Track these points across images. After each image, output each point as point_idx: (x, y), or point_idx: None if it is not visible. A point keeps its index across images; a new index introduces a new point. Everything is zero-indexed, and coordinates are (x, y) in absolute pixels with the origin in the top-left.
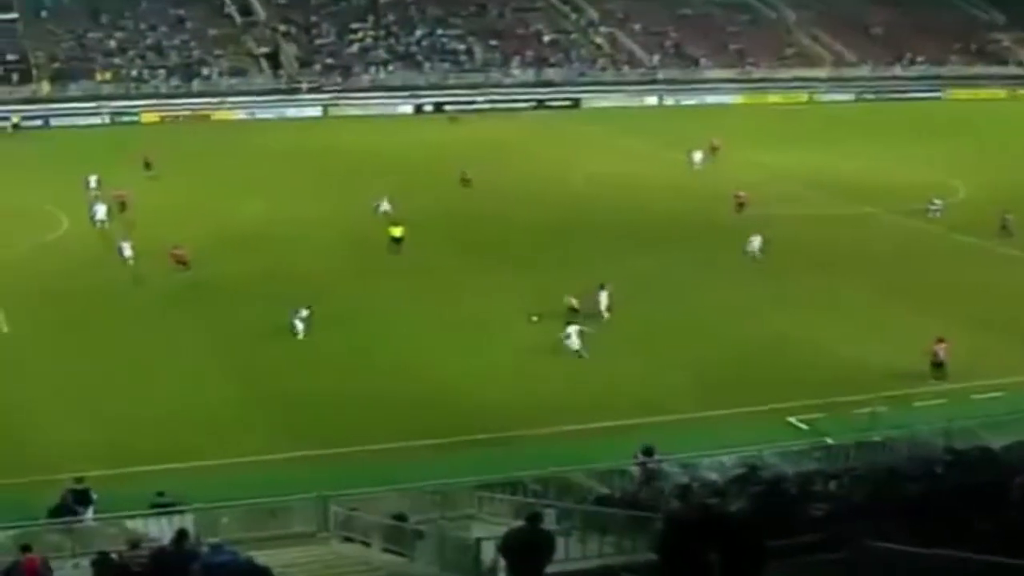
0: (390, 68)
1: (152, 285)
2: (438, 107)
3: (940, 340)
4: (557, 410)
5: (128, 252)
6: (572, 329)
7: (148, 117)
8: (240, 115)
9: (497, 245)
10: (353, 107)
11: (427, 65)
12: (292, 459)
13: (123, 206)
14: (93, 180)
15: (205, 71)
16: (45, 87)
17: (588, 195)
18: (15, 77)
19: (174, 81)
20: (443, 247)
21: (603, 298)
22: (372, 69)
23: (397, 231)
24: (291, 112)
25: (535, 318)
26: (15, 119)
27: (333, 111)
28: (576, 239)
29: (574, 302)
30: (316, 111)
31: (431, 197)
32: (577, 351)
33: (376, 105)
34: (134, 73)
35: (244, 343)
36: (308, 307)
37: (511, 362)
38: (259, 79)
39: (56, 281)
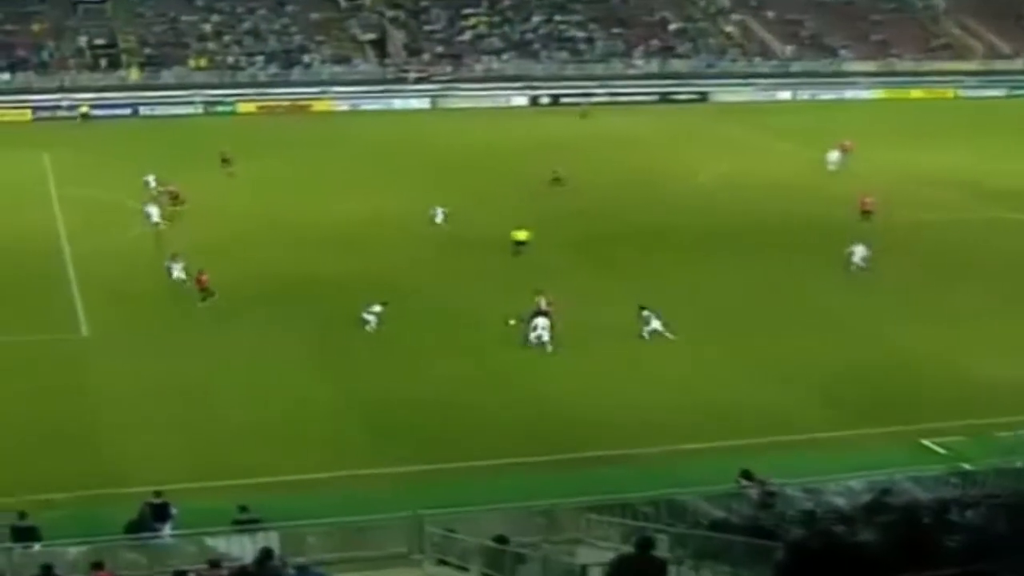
0: (504, 57)
1: (233, 290)
2: (555, 100)
3: None
4: (670, 426)
5: (177, 273)
6: (540, 322)
7: (244, 107)
8: (342, 106)
9: (609, 249)
10: (464, 99)
11: (544, 54)
12: (385, 475)
13: (175, 200)
14: (152, 180)
15: (306, 58)
16: (135, 74)
17: (712, 197)
18: (103, 63)
19: (273, 69)
20: (557, 252)
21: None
22: (485, 58)
23: (521, 235)
24: (397, 103)
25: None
26: (84, 108)
27: (442, 103)
28: (694, 243)
29: (543, 302)
30: (424, 103)
31: (546, 197)
32: (543, 343)
33: (488, 97)
34: (230, 60)
35: (336, 350)
36: (383, 303)
37: (622, 374)
38: (363, 67)
39: (135, 282)
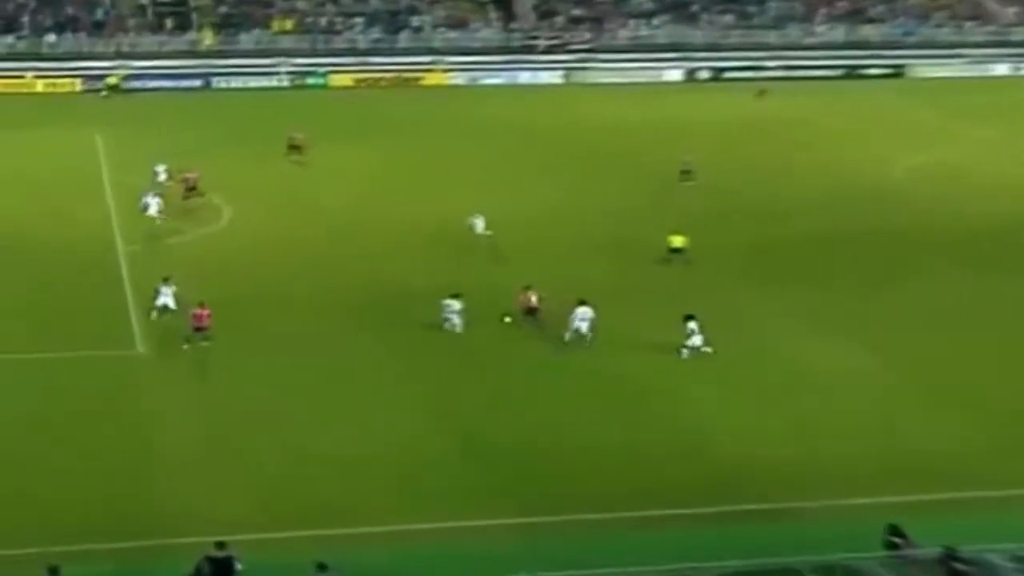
0: (655, 22)
1: (324, 297)
2: (716, 74)
3: None
4: (845, 476)
5: (165, 299)
6: (580, 312)
7: (338, 80)
8: (458, 79)
9: (778, 259)
10: (604, 72)
11: (704, 18)
12: (498, 527)
13: (190, 191)
14: (162, 170)
15: (415, 21)
16: (207, 37)
17: (907, 195)
18: (169, 23)
19: (374, 34)
20: (714, 260)
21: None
22: (631, 23)
23: (678, 240)
24: (524, 77)
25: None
26: (113, 79)
27: (578, 76)
28: (884, 252)
29: (534, 299)
30: (556, 76)
31: (697, 195)
32: (581, 335)
33: (635, 70)
34: (323, 22)
35: (435, 375)
36: (454, 295)
37: (790, 408)
38: (484, 34)
39: (210, 287)
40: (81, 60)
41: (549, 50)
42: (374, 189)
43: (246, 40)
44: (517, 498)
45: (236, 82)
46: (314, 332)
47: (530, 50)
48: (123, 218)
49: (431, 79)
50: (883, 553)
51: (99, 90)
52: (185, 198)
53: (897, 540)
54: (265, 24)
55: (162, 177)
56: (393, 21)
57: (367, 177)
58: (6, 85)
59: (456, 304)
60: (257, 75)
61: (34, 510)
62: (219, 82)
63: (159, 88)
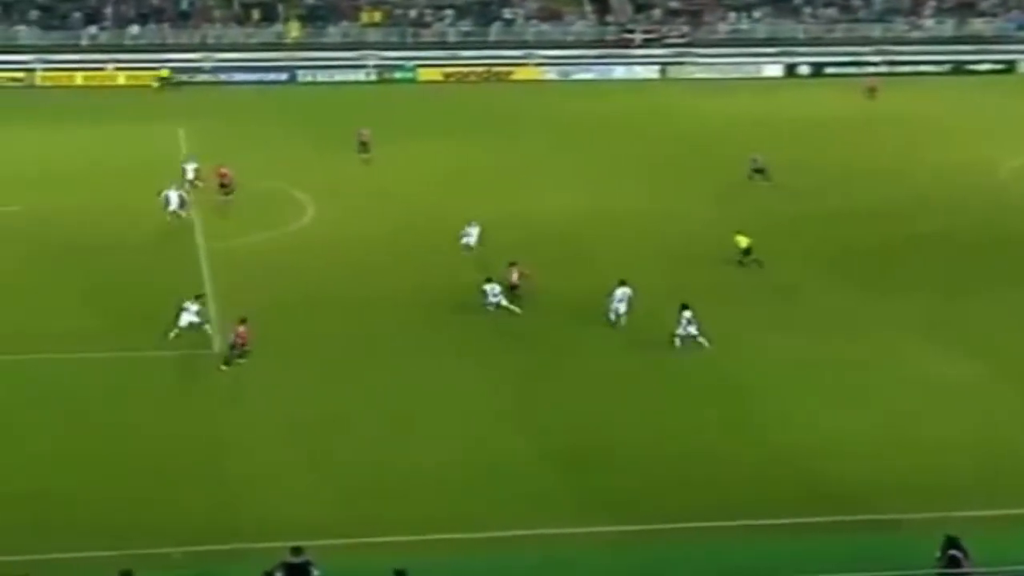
0: (755, 15)
1: (406, 296)
2: (817, 69)
3: None
4: (962, 488)
5: (190, 317)
6: (619, 292)
7: (427, 74)
8: (550, 74)
9: (876, 263)
10: (702, 67)
11: (806, 11)
12: (590, 535)
13: (223, 188)
14: (191, 169)
15: (507, 14)
16: (293, 29)
17: (1010, 194)
18: (255, 15)
19: (464, 26)
20: (802, 264)
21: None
22: (731, 16)
23: (744, 241)
24: (618, 72)
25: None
26: (165, 71)
27: (674, 72)
28: (991, 258)
29: (515, 276)
30: (652, 71)
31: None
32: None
33: (733, 65)
34: (412, 14)
35: (522, 379)
36: (488, 279)
37: (903, 418)
38: (578, 27)
39: (291, 287)
40: (164, 52)
41: (645, 44)
42: (460, 185)
43: (333, 33)
44: (604, 506)
45: (322, 76)
46: (394, 332)
47: (625, 44)
48: (204, 214)
49: (522, 74)
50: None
51: (163, 82)
52: (222, 194)
53: (956, 554)
54: (353, 16)
55: (191, 175)
56: (484, 13)
57: (454, 173)
58: (88, 78)
59: (496, 287)
60: (344, 68)
61: (108, 512)
62: (305, 75)
63: (243, 81)
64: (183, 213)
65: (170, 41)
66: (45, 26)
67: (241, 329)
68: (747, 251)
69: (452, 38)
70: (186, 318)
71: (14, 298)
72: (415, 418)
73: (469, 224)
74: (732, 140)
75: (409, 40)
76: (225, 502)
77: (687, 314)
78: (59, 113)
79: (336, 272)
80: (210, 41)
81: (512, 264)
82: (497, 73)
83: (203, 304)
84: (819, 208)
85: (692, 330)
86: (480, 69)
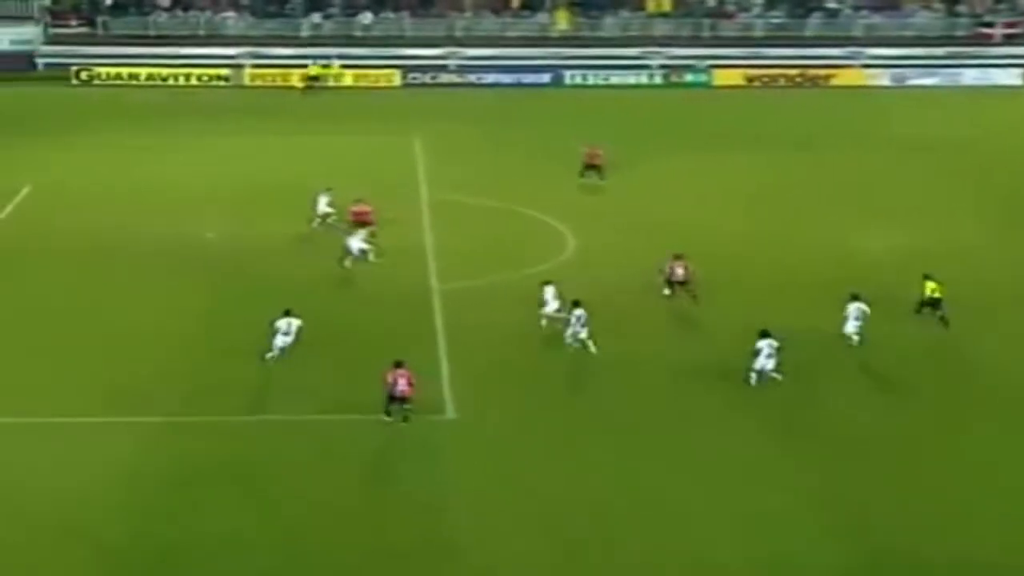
0: None
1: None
2: None
3: None
4: None
5: (282, 340)
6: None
7: (724, 76)
8: (881, 79)
9: None
10: None
11: None
12: None
13: (363, 226)
14: (324, 200)
15: (830, 2)
16: (562, 20)
17: None
18: (514, 2)
19: (775, 18)
20: None
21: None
22: None
23: (932, 287)
24: (968, 77)
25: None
26: (313, 68)
27: None
28: None
29: (680, 271)
30: (1015, 77)
31: None
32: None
33: None
34: (709, 3)
35: (842, 454)
36: (577, 303)
37: None
38: (921, 19)
39: (531, 343)
40: (402, 47)
41: (1007, 41)
42: (762, 213)
43: (610, 25)
44: None
45: (594, 77)
46: (660, 396)
47: (981, 41)
48: (441, 246)
49: (845, 77)
50: None
51: (309, 83)
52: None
53: None
54: (636, 4)
55: (322, 208)
56: (800, 2)
57: (755, 197)
58: (306, 76)
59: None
60: (621, 69)
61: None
62: (573, 76)
63: (496, 84)
64: (372, 255)
65: (409, 33)
66: (258, 13)
67: (400, 374)
68: (932, 302)
69: (758, 33)
70: (281, 340)
71: (210, 349)
72: (690, 502)
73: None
74: None
75: (704, 35)
76: (448, 551)
77: (766, 343)
78: (269, 119)
79: (594, 315)
80: (457, 33)
81: (677, 257)
82: (813, 77)
83: (295, 318)
84: None
85: (768, 364)
86: (792, 72)
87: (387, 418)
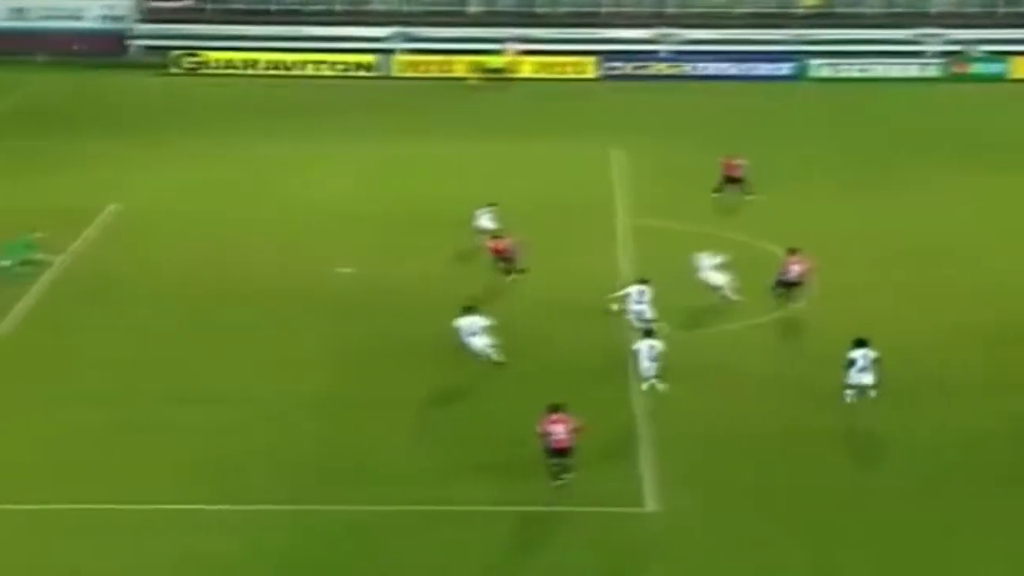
0: None
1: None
2: None
3: None
4: None
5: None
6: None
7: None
8: None
9: None
10: None
11: None
12: None
13: (507, 263)
14: (486, 218)
15: None
16: None
17: None
18: None
19: None
20: None
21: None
22: None
23: None
24: None
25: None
26: (497, 59)
27: None
28: None
29: (795, 270)
30: None
31: None
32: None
33: None
34: None
35: None
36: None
37: None
38: None
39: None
40: (598, 26)
41: None
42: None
43: (873, 2)
44: None
45: (847, 69)
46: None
47: None
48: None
49: None
50: None
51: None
52: (505, 272)
53: None
54: None
55: (484, 221)
56: None
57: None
58: (470, 65)
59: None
60: (887, 57)
61: None
62: (819, 67)
63: (718, 76)
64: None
65: (606, 9)
66: None
67: (556, 418)
68: None
69: None
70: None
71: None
72: None
73: None
74: None
75: (999, 10)
76: None
77: (861, 353)
78: (423, 119)
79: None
80: (670, 10)
81: (792, 251)
82: None
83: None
84: None
85: (867, 379)
86: None
87: (555, 482)
